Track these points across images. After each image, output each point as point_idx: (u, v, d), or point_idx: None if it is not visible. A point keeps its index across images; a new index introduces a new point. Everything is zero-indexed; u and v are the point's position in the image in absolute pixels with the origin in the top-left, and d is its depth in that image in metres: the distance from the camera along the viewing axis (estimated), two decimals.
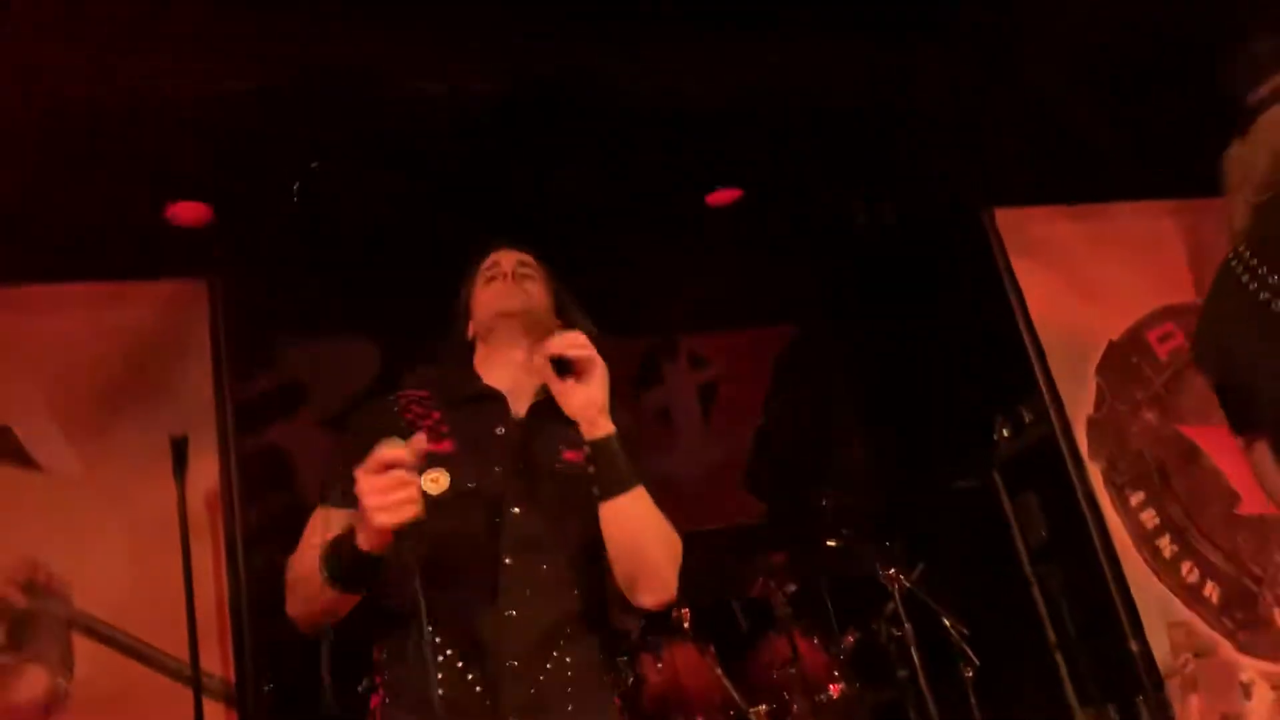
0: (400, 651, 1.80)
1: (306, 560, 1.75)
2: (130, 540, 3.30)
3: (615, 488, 1.78)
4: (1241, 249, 2.02)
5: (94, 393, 3.46)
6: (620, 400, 6.16)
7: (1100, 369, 4.18)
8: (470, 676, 1.73)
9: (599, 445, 1.79)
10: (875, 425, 5.90)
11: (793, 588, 4.35)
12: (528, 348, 1.97)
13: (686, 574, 4.49)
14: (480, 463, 1.84)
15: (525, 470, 1.86)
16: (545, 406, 1.92)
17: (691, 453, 5.95)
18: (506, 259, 2.09)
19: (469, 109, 5.05)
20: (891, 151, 4.96)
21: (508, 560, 1.78)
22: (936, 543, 5.14)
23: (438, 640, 1.74)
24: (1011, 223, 4.28)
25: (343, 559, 1.66)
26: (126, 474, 3.33)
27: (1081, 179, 4.52)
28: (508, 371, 1.98)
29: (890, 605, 4.21)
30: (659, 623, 4.20)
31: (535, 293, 2.05)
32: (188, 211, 4.95)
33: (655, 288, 6.10)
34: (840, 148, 5.27)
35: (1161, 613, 3.92)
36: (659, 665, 3.95)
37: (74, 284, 3.64)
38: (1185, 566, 4.00)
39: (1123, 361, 4.22)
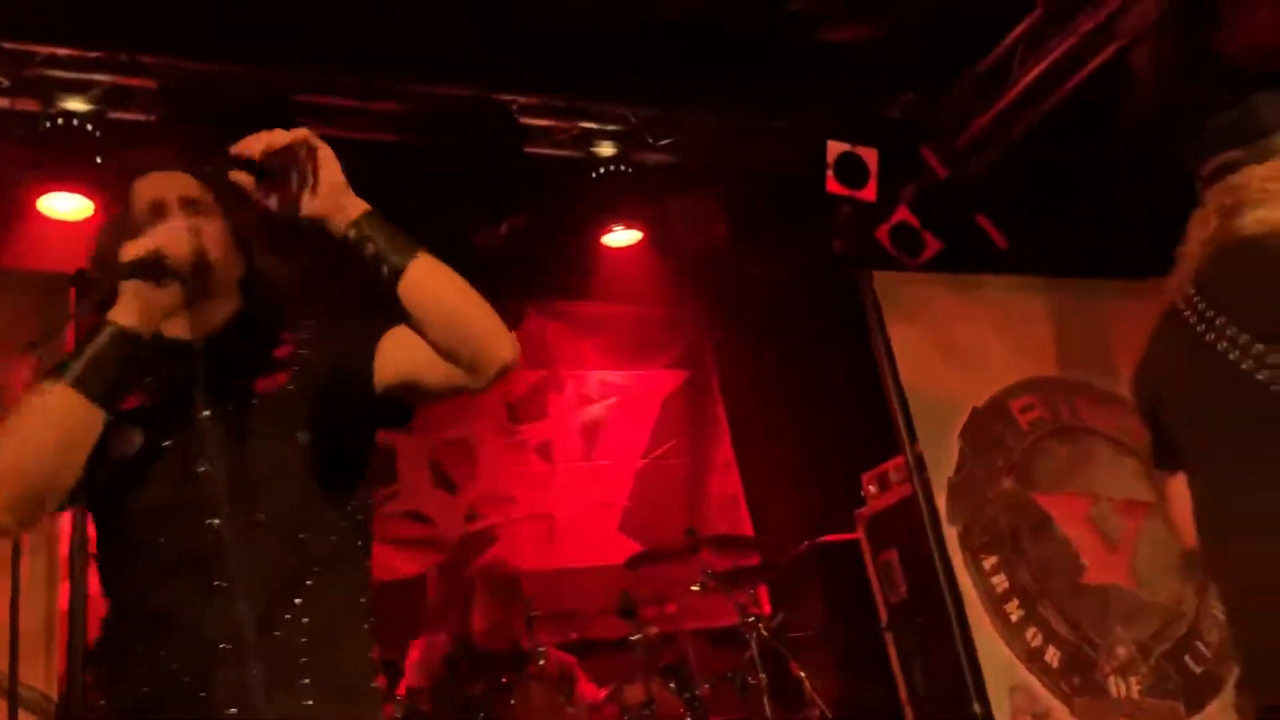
0: (109, 644, 1.61)
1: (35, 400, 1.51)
2: None
3: (404, 257, 1.56)
4: (1192, 293, 2.13)
5: None
6: (501, 431, 6.09)
7: (963, 434, 4.31)
8: (175, 667, 1.51)
9: (364, 223, 1.56)
10: (751, 474, 5.97)
11: (654, 630, 4.36)
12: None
13: (550, 612, 4.46)
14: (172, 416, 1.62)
15: (216, 415, 1.62)
16: (223, 336, 1.68)
17: (570, 490, 5.94)
18: (169, 191, 1.71)
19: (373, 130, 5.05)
20: (787, 213, 5.10)
21: (213, 522, 1.56)
22: (801, 594, 5.23)
23: (132, 627, 1.56)
24: (888, 286, 4.41)
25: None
26: None
27: (960, 250, 4.71)
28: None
29: (748, 653, 4.25)
30: (515, 662, 4.17)
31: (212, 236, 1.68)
32: None
33: (547, 322, 6.14)
34: (739, 206, 5.43)
35: (1005, 675, 4.03)
36: (512, 703, 3.91)
37: None
38: (1030, 631, 4.13)
39: (985, 428, 4.36)
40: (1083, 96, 4.91)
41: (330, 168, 1.58)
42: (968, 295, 4.61)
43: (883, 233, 4.87)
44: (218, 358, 1.66)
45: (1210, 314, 2.06)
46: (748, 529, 5.91)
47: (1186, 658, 4.24)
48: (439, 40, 4.72)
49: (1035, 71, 5.00)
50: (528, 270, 5.57)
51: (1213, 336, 2.03)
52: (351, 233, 1.57)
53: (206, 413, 1.61)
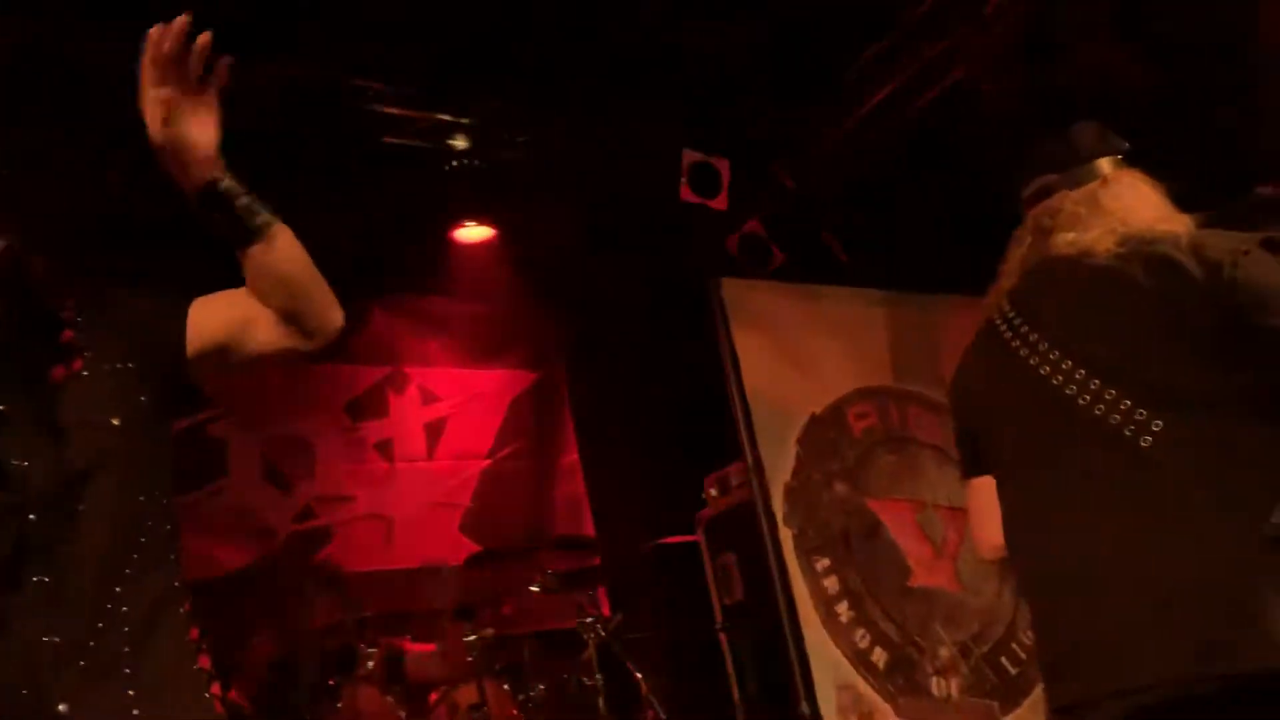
0: None
1: None
2: None
3: (272, 214, 1.59)
4: (1006, 307, 2.23)
5: None
6: (339, 428, 5.91)
7: (801, 439, 4.42)
8: None
9: (232, 174, 1.57)
10: (596, 476, 5.98)
11: (491, 631, 4.31)
12: None
13: (384, 612, 4.36)
14: None
15: (15, 408, 1.56)
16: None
17: (411, 489, 5.81)
18: None
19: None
20: (641, 217, 5.14)
21: (31, 516, 1.51)
22: (640, 595, 5.26)
23: None
24: (736, 294, 4.49)
25: None
26: None
27: (805, 262, 4.85)
28: None
29: (585, 654, 4.25)
30: (344, 664, 4.05)
31: None
32: None
33: (393, 318, 6.00)
34: (593, 208, 5.43)
35: (834, 675, 4.14)
36: (339, 706, 3.79)
37: None
38: (859, 632, 4.26)
39: (821, 434, 4.48)
40: (927, 119, 5.13)
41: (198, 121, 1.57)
42: (811, 305, 4.74)
43: (732, 242, 4.96)
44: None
45: (1024, 329, 2.16)
46: (591, 531, 5.91)
47: (1003, 658, 4.45)
48: (290, 18, 4.55)
49: (883, 93, 5.19)
50: (374, 263, 5.43)
51: (1025, 351, 2.13)
52: (225, 182, 1.57)
53: (2, 407, 1.55)
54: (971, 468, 2.31)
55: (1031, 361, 2.11)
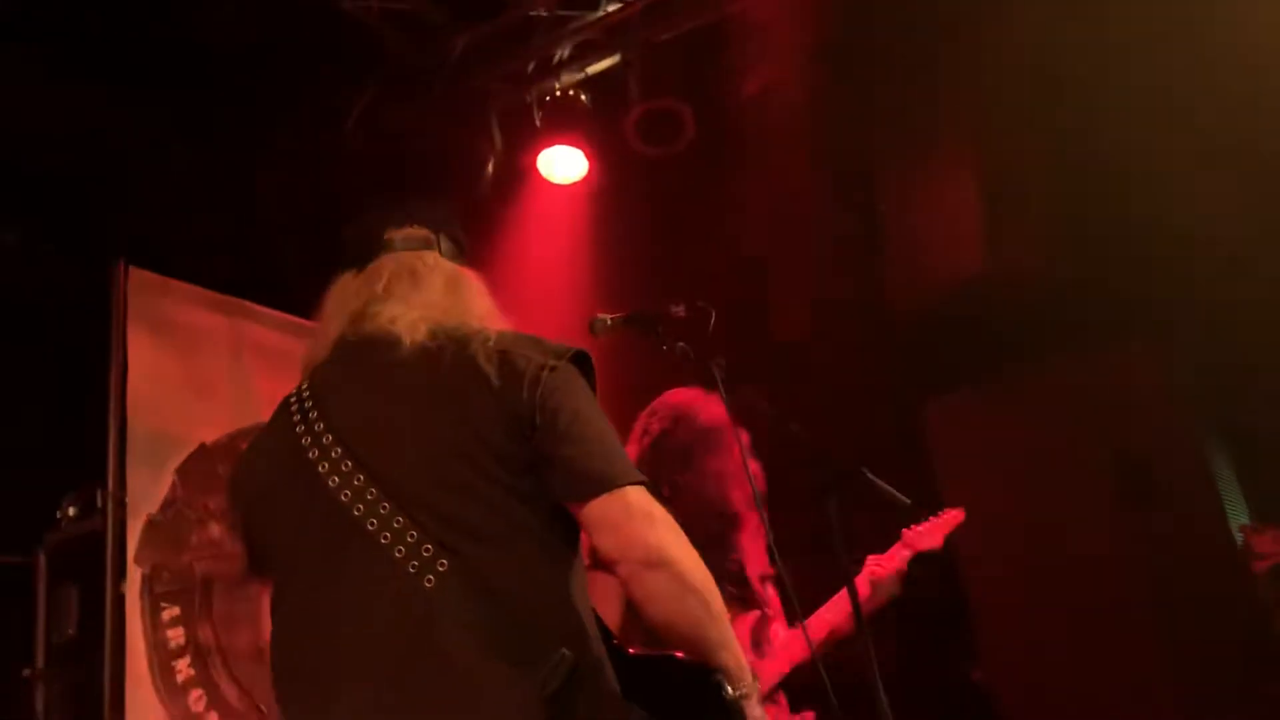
0: None
1: None
2: None
3: None
4: (304, 384, 1.93)
5: None
6: None
7: (182, 469, 3.88)
8: None
9: None
10: None
11: None
12: None
13: None
14: None
15: None
16: None
17: None
18: None
19: None
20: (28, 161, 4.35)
21: None
22: None
23: None
24: (146, 289, 3.88)
25: None
26: None
27: (235, 269, 4.38)
28: None
29: None
30: None
31: None
32: None
33: None
34: None
35: None
36: None
37: None
38: (195, 694, 3.76)
39: (209, 467, 3.97)
40: None
41: None
42: (238, 323, 4.25)
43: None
44: None
45: (317, 424, 1.87)
46: None
47: None
48: None
49: None
50: None
51: (315, 454, 1.83)
52: None
53: None
54: (252, 567, 2.01)
55: (321, 469, 1.81)
